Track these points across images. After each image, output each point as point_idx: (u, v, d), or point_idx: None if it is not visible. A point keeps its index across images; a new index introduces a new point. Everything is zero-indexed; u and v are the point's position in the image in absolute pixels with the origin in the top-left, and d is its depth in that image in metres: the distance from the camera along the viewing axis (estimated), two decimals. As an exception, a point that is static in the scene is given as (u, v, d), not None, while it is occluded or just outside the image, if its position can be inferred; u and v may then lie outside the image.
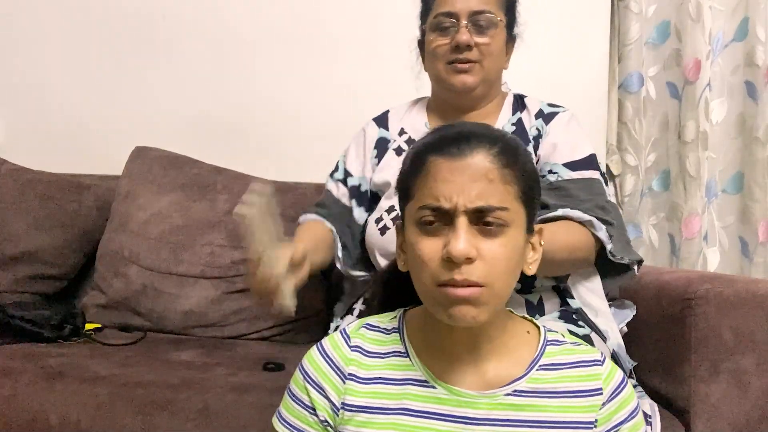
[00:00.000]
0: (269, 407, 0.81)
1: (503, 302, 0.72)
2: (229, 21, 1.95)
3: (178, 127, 1.93)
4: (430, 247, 0.68)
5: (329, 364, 0.75)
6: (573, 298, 1.13)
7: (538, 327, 0.78)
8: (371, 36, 1.89)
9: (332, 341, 0.77)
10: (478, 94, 1.22)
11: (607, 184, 1.20)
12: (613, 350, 1.09)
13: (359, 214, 1.27)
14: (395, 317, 0.79)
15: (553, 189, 1.12)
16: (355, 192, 1.29)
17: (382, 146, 1.29)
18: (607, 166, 1.92)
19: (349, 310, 1.25)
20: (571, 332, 1.04)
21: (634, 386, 1.09)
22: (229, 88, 1.94)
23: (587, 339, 1.05)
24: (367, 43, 1.89)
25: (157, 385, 1.07)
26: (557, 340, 0.77)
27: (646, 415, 0.99)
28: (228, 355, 1.29)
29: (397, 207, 1.15)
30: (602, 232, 1.08)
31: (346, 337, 0.77)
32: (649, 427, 0.99)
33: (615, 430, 0.73)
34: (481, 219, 0.67)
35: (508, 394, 0.72)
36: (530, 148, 1.18)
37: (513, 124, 1.23)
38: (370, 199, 1.28)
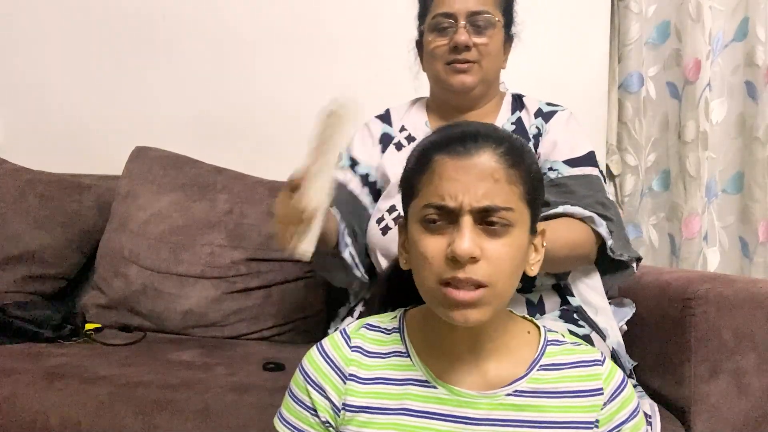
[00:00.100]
0: (269, 407, 0.81)
1: (505, 302, 0.72)
2: (229, 21, 1.95)
3: (178, 127, 1.93)
4: (433, 246, 0.68)
5: (329, 365, 0.75)
6: (573, 296, 1.14)
7: (538, 327, 0.78)
8: (371, 36, 1.89)
9: (332, 341, 0.77)
10: (477, 94, 1.22)
11: (605, 181, 1.20)
12: (613, 348, 1.09)
13: (370, 202, 1.25)
14: (395, 317, 0.79)
15: (554, 186, 1.13)
16: (365, 181, 1.26)
17: (386, 141, 1.28)
18: (607, 166, 1.92)
19: (350, 312, 1.24)
20: (571, 332, 1.04)
21: (634, 386, 1.09)
22: (229, 88, 1.94)
23: (587, 339, 1.05)
24: (366, 43, 1.89)
25: (157, 385, 1.07)
26: (557, 340, 0.77)
27: (646, 415, 0.99)
28: (228, 355, 1.29)
29: (398, 207, 1.15)
30: (603, 228, 1.08)
31: (347, 338, 0.77)
32: (649, 427, 0.99)
33: (617, 430, 0.73)
34: (485, 219, 0.67)
35: (509, 395, 0.72)
36: (530, 146, 1.18)
37: (513, 123, 1.23)
38: (378, 190, 1.26)
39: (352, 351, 0.76)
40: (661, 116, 1.95)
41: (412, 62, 1.30)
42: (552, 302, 1.13)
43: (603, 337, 1.09)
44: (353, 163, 1.28)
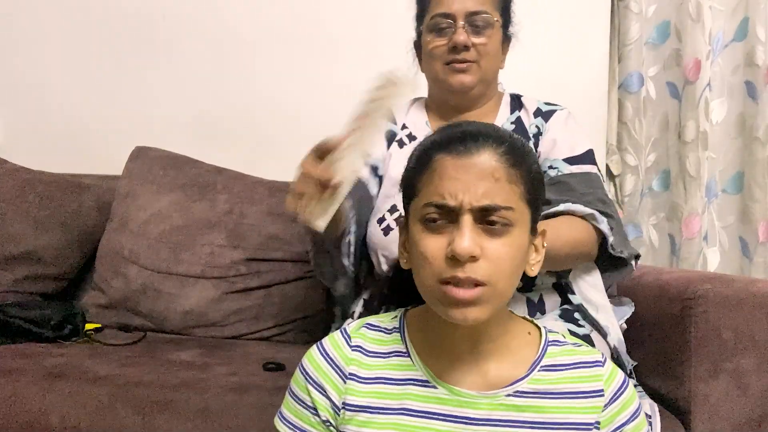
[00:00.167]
0: (269, 407, 0.81)
1: (505, 302, 0.72)
2: (229, 21, 1.95)
3: (178, 127, 1.93)
4: (434, 245, 0.68)
5: (330, 364, 0.75)
6: (574, 293, 1.14)
7: (538, 328, 0.78)
8: (371, 36, 1.89)
9: (333, 341, 0.77)
10: (476, 94, 1.22)
11: (603, 180, 1.21)
12: (614, 346, 1.09)
13: (376, 193, 1.23)
14: (396, 317, 0.79)
15: (554, 184, 1.14)
16: (375, 172, 1.25)
17: (389, 137, 1.28)
18: (607, 166, 1.92)
19: (351, 315, 1.23)
20: (571, 332, 1.04)
21: (635, 386, 1.09)
22: (229, 88, 1.94)
23: (587, 339, 1.05)
24: (366, 43, 1.89)
25: (157, 385, 1.07)
26: (558, 341, 0.77)
27: (646, 415, 0.99)
28: (228, 355, 1.29)
29: (399, 206, 1.15)
30: (604, 225, 1.09)
31: (347, 337, 0.77)
32: (649, 427, 0.99)
33: (618, 431, 0.73)
34: (485, 218, 0.68)
35: (510, 395, 0.72)
36: (530, 146, 1.18)
37: (512, 123, 1.24)
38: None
39: (353, 350, 0.76)
40: (661, 116, 1.95)
41: (410, 63, 1.31)
42: (552, 301, 1.13)
43: (604, 334, 1.09)
44: None
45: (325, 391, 0.74)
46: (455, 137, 0.70)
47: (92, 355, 1.23)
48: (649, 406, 1.05)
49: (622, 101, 1.93)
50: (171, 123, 1.93)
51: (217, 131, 1.93)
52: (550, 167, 1.17)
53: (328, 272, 1.19)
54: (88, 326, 1.44)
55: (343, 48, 1.91)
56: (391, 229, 1.16)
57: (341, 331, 0.78)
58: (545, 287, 1.13)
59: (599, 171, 1.20)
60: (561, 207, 1.08)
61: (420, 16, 1.25)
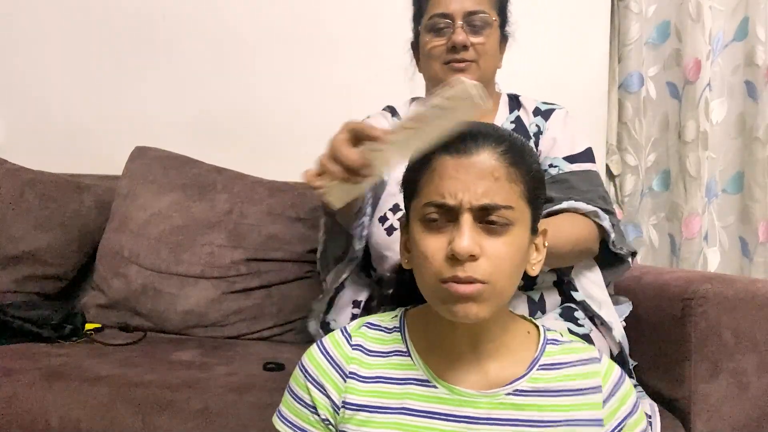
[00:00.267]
0: (269, 407, 0.81)
1: (505, 301, 0.72)
2: (229, 21, 1.95)
3: (178, 127, 1.93)
4: (434, 244, 0.68)
5: (330, 363, 0.75)
6: (576, 290, 1.14)
7: (537, 327, 0.78)
8: (370, 36, 1.89)
9: (333, 339, 0.77)
10: None
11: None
12: (619, 341, 1.10)
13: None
14: (396, 316, 0.79)
15: (555, 182, 1.14)
16: None
17: None
18: (607, 166, 1.92)
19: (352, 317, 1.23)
20: (570, 331, 1.04)
21: (634, 386, 1.09)
22: (229, 88, 1.94)
23: (587, 338, 1.06)
24: (366, 44, 1.89)
25: (157, 385, 1.07)
26: (556, 340, 0.77)
27: (646, 415, 0.99)
28: (228, 355, 1.29)
29: (402, 206, 1.14)
30: (606, 222, 1.10)
31: (347, 336, 0.77)
32: (649, 427, 0.99)
33: (621, 425, 0.73)
34: (485, 217, 0.68)
35: (509, 394, 0.72)
36: (531, 145, 1.19)
37: (512, 122, 1.24)
38: None
39: (353, 349, 0.76)
40: (661, 116, 1.95)
41: (407, 64, 1.31)
42: (553, 299, 1.13)
43: (609, 329, 1.10)
44: None
45: (324, 390, 0.74)
46: (455, 137, 0.70)
47: (92, 355, 1.23)
48: (649, 406, 1.05)
49: (622, 101, 1.93)
50: (171, 123, 1.93)
51: (217, 131, 1.93)
52: (551, 165, 1.17)
53: (332, 253, 1.17)
54: (88, 326, 1.44)
55: (343, 48, 1.91)
56: (395, 229, 1.16)
57: (341, 330, 0.78)
58: (546, 286, 1.14)
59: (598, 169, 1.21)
60: (564, 204, 1.09)
61: (417, 17, 1.25)
